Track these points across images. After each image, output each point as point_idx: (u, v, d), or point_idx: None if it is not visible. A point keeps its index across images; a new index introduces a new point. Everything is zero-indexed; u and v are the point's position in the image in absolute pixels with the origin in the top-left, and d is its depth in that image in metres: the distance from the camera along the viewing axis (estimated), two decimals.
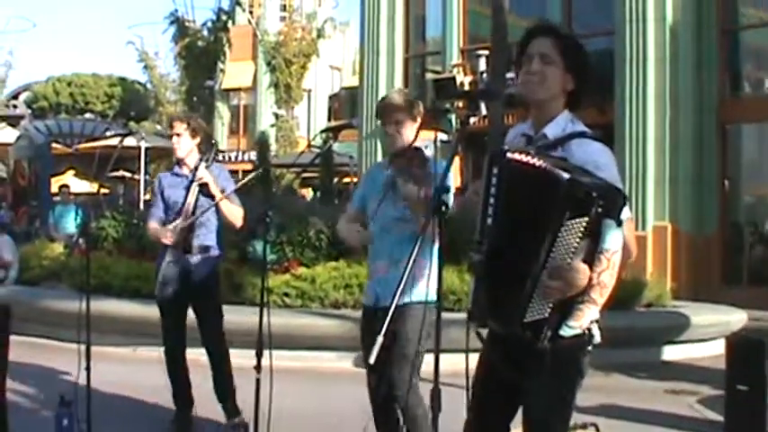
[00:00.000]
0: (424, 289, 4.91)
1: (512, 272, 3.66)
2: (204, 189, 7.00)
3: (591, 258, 3.55)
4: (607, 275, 3.63)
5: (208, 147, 7.39)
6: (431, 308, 4.96)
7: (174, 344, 7.37)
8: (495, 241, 3.73)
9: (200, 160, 7.12)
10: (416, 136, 5.51)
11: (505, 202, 3.71)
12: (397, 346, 5.22)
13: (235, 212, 7.16)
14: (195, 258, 7.13)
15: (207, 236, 7.18)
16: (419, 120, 5.61)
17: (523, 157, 3.66)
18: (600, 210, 3.48)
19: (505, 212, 3.71)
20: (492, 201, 3.74)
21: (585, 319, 3.70)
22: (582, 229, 3.48)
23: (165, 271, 7.15)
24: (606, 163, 3.75)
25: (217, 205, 7.00)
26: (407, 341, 5.21)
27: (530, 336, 3.64)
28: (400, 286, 3.49)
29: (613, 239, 3.59)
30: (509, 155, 3.72)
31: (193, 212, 7.01)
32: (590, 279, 3.56)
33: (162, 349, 7.46)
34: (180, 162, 7.27)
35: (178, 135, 7.18)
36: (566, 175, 3.48)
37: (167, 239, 7.07)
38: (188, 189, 7.06)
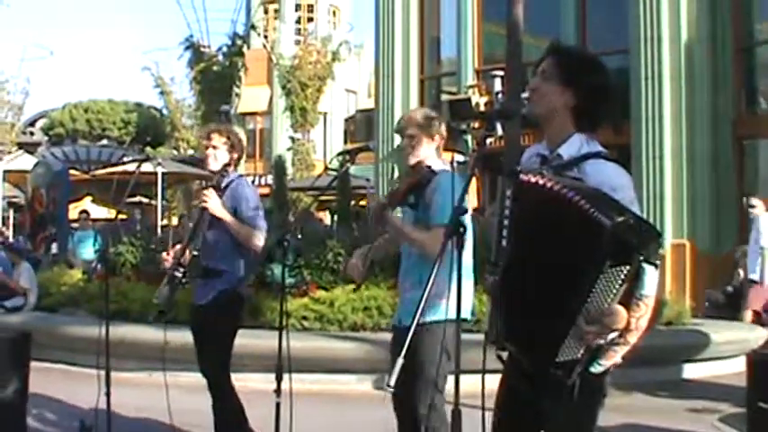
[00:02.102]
0: (444, 309, 4.89)
1: (540, 307, 3.63)
2: (208, 211, 6.50)
3: (628, 300, 3.49)
4: (644, 320, 3.57)
5: (236, 165, 6.86)
6: (450, 326, 4.95)
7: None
8: (511, 265, 3.71)
9: (216, 179, 6.63)
10: (439, 155, 5.53)
11: (522, 226, 3.69)
12: (416, 366, 5.21)
13: (243, 234, 6.53)
14: (199, 282, 6.65)
15: (218, 260, 6.56)
16: (437, 139, 5.60)
17: (539, 180, 3.63)
18: (642, 257, 3.44)
19: (521, 237, 3.69)
20: (506, 222, 3.73)
21: (617, 358, 3.67)
22: (623, 277, 3.42)
23: (159, 293, 6.57)
24: (622, 185, 3.72)
25: (227, 226, 6.49)
26: (426, 361, 5.20)
27: (560, 375, 3.62)
28: (419, 307, 3.48)
29: (651, 283, 3.51)
30: (522, 176, 3.70)
31: (194, 234, 6.55)
32: (627, 323, 3.52)
33: (179, 374, 7.36)
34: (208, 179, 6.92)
35: (215, 147, 6.66)
36: (608, 222, 3.40)
37: (164, 263, 6.73)
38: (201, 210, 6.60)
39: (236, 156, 6.74)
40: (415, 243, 5.35)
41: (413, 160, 5.56)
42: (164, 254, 6.78)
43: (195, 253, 6.47)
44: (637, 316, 3.54)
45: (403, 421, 5.55)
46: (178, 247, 6.68)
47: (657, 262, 3.51)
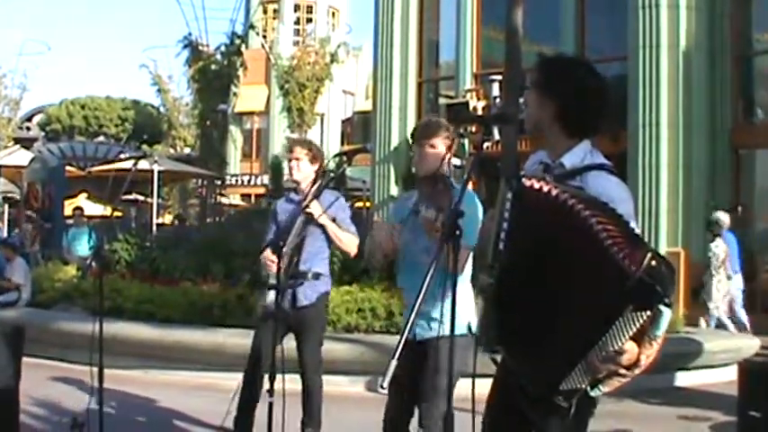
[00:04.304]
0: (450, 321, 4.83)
1: (543, 328, 3.62)
2: (311, 217, 6.86)
3: (639, 337, 3.45)
4: (652, 357, 3.55)
5: (320, 175, 7.22)
6: (458, 340, 4.95)
7: (251, 367, 7.04)
8: (509, 270, 3.69)
9: (310, 188, 7.02)
10: (445, 163, 5.54)
11: (521, 231, 3.66)
12: (424, 378, 5.21)
13: (345, 240, 7.05)
14: (299, 285, 7.00)
15: (316, 263, 7.05)
16: (451, 147, 5.63)
17: (543, 185, 3.61)
18: (662, 303, 3.39)
19: (519, 243, 3.65)
20: (505, 226, 3.71)
21: (617, 386, 3.65)
22: (642, 321, 3.38)
23: (267, 299, 6.89)
24: (622, 198, 3.69)
25: (327, 234, 6.99)
26: (434, 373, 5.18)
27: (560, 400, 3.62)
28: (410, 318, 3.47)
29: (664, 324, 3.46)
30: (525, 181, 3.67)
31: (298, 240, 6.88)
32: (637, 359, 3.51)
33: (172, 372, 7.38)
34: (296, 188, 7.27)
35: (297, 159, 7.12)
36: (635, 270, 3.34)
37: (269, 265, 6.85)
38: (296, 216, 6.96)
39: (317, 166, 7.18)
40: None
41: (432, 168, 5.53)
42: (270, 260, 6.78)
43: (295, 259, 6.90)
44: (646, 353, 3.51)
45: (386, 427, 5.55)
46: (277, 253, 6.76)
47: (672, 303, 3.46)
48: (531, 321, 3.67)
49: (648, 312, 3.38)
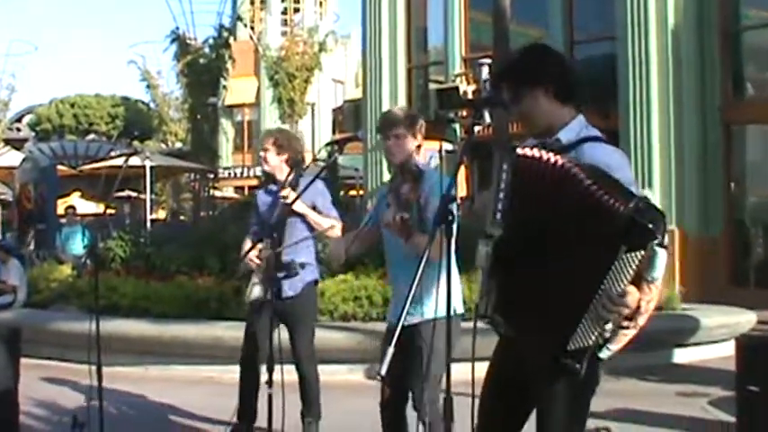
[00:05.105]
0: (435, 305, 4.83)
1: (543, 290, 3.64)
2: (289, 207, 6.82)
3: (638, 282, 3.49)
4: (653, 303, 3.58)
5: (295, 162, 7.21)
6: (442, 322, 4.96)
7: (245, 360, 7.24)
8: (508, 240, 3.68)
9: (287, 177, 7.04)
10: (418, 153, 5.55)
11: (520, 200, 3.65)
12: (412, 363, 5.24)
13: (326, 225, 6.94)
14: (283, 277, 6.96)
15: (299, 253, 6.97)
16: (419, 137, 5.62)
17: (536, 153, 3.63)
18: (656, 242, 3.44)
19: (519, 211, 3.65)
20: (502, 196, 3.70)
21: (625, 341, 3.67)
22: (637, 262, 3.42)
23: (252, 292, 7.07)
24: (620, 165, 3.73)
25: (307, 222, 6.96)
26: (419, 358, 5.22)
27: (570, 363, 3.63)
28: (405, 305, 3.48)
29: (661, 266, 3.50)
30: (519, 150, 3.69)
31: (275, 230, 6.89)
32: (638, 305, 3.52)
33: (171, 367, 7.40)
34: (273, 179, 7.26)
35: (265, 150, 7.17)
36: (623, 208, 3.42)
37: (252, 263, 6.98)
38: (275, 207, 7.07)
39: (285, 156, 7.17)
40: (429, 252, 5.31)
41: (400, 158, 5.57)
42: (251, 254, 6.92)
43: (278, 250, 6.84)
44: (647, 299, 3.54)
45: (385, 413, 5.57)
46: (260, 246, 6.88)
47: (667, 244, 3.51)
48: (531, 288, 3.69)
49: (643, 252, 3.42)
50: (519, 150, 3.69)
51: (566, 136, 3.87)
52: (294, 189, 6.85)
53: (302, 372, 7.14)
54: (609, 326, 3.56)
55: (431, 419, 5.22)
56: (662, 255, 3.48)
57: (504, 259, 3.70)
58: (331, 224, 6.98)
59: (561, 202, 3.57)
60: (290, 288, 7.02)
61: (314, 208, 7.01)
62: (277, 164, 7.15)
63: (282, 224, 6.91)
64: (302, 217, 6.95)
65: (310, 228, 7.01)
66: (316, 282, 7.38)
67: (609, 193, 3.45)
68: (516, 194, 3.66)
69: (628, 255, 3.41)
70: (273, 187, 7.26)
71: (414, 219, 5.35)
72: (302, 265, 6.97)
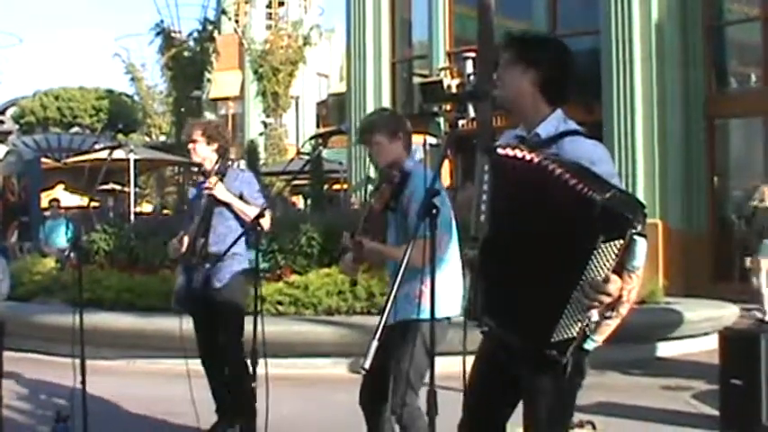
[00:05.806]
0: (416, 305, 4.75)
1: (526, 285, 3.66)
2: (213, 198, 6.91)
3: (619, 272, 3.49)
4: (634, 292, 3.59)
5: (224, 151, 7.23)
6: (421, 324, 5.00)
7: (202, 354, 7.33)
8: (491, 240, 3.72)
9: (213, 166, 7.07)
10: (404, 151, 5.56)
11: (501, 200, 3.69)
12: (393, 361, 5.24)
13: (251, 214, 6.65)
14: (209, 267, 6.93)
15: (224, 243, 6.75)
16: (402, 136, 5.61)
17: (516, 152, 3.65)
18: (634, 230, 3.44)
19: (501, 211, 3.69)
20: (485, 198, 3.73)
21: (609, 332, 3.68)
22: (616, 251, 3.43)
23: (178, 283, 7.15)
24: (601, 158, 3.74)
25: (233, 211, 6.95)
26: (402, 357, 5.22)
27: (554, 355, 3.63)
28: (388, 303, 3.49)
29: (641, 255, 3.51)
30: (500, 150, 3.72)
31: (203, 221, 6.94)
32: (620, 294, 3.53)
33: (155, 361, 7.41)
34: (203, 171, 7.23)
35: (194, 142, 7.12)
36: (598, 197, 3.42)
37: (174, 253, 7.06)
38: (200, 198, 7.08)
39: (215, 146, 7.14)
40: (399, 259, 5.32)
41: (384, 162, 5.59)
42: (175, 243, 7.02)
43: (203, 240, 6.92)
44: (628, 288, 3.55)
45: (366, 408, 5.59)
46: (186, 236, 6.98)
47: (646, 233, 3.52)
48: (515, 287, 3.71)
49: (622, 241, 3.42)
50: (499, 150, 3.72)
51: (545, 130, 3.88)
52: (221, 178, 6.96)
53: (230, 368, 7.11)
54: (593, 316, 3.56)
55: (405, 423, 5.24)
56: (642, 244, 3.48)
57: (490, 258, 3.72)
58: (255, 212, 6.60)
59: (542, 200, 3.59)
60: (217, 279, 6.98)
61: (241, 197, 6.98)
62: (207, 154, 7.13)
63: (210, 213, 6.96)
64: (230, 207, 6.96)
65: (237, 216, 6.99)
66: (245, 272, 7.16)
67: (587, 186, 3.46)
68: (498, 195, 3.69)
69: (606, 244, 3.42)
70: (202, 179, 7.26)
71: (399, 220, 5.39)
72: (232, 256, 6.80)
